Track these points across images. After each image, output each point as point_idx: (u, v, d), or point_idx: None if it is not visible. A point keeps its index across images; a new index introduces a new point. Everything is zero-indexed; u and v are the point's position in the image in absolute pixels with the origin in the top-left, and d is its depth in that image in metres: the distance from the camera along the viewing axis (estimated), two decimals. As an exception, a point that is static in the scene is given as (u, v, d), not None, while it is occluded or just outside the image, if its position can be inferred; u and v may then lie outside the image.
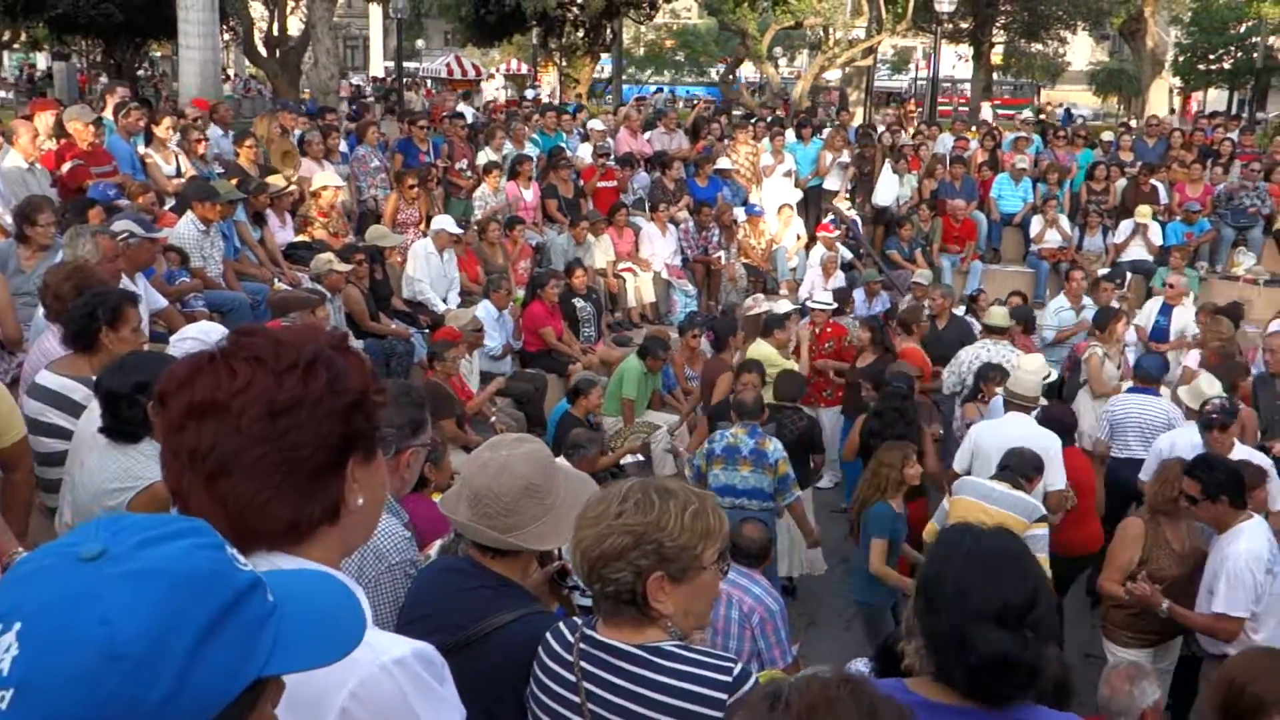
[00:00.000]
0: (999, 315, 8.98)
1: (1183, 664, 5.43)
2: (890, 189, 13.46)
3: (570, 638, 2.26)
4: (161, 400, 1.42)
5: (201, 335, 4.06)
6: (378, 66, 40.52)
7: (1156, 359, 7.90)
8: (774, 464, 6.57)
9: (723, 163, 13.80)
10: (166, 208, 8.77)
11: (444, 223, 10.05)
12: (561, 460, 6.58)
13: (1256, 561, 4.69)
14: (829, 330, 9.73)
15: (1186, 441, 6.17)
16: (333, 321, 7.97)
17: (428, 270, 9.82)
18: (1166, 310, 10.40)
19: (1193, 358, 8.57)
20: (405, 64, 30.13)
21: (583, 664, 2.21)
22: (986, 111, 25.96)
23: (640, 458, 8.01)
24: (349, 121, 14.79)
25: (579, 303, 10.20)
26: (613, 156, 13.33)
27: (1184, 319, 10.15)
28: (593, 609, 2.29)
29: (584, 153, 13.53)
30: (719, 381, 8.52)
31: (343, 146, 11.88)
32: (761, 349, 8.72)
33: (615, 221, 11.84)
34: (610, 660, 2.19)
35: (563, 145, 13.42)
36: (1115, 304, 10.17)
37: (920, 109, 19.64)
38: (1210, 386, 6.68)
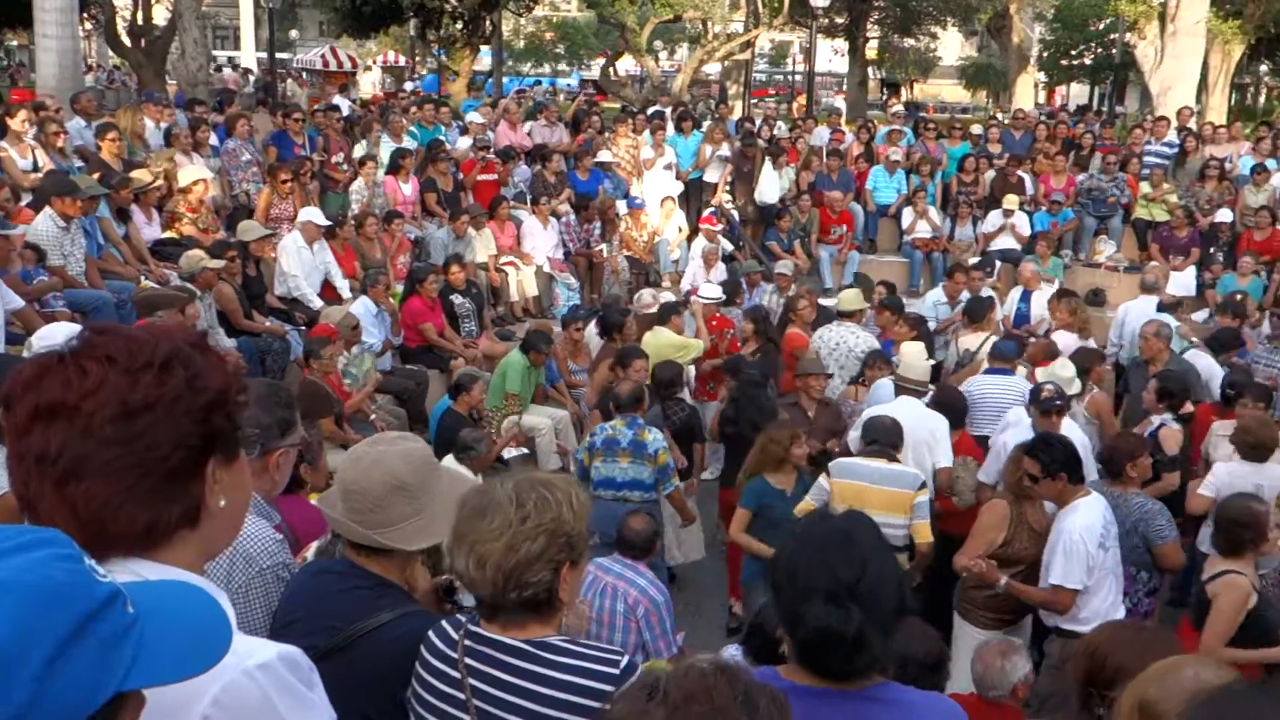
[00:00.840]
0: (850, 299, 9.18)
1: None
2: (773, 188, 13.62)
3: (454, 635, 2.24)
4: (6, 403, 1.36)
5: (60, 336, 3.89)
6: (250, 58, 39.38)
7: (1011, 343, 8.14)
8: (654, 454, 6.59)
9: (603, 156, 13.81)
10: (23, 204, 8.39)
11: (311, 214, 9.82)
12: (450, 461, 6.57)
13: (1090, 534, 4.86)
14: (714, 323, 9.82)
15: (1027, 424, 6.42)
16: (204, 319, 7.74)
17: (300, 265, 9.59)
18: (1027, 296, 10.79)
19: (1062, 338, 8.89)
20: (279, 55, 29.37)
21: (468, 661, 2.19)
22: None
23: (524, 450, 7.97)
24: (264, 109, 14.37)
25: (457, 299, 10.09)
26: (493, 150, 13.22)
27: (1044, 304, 10.57)
28: (476, 607, 2.28)
29: (463, 146, 13.39)
30: (597, 372, 8.54)
31: (213, 140, 11.53)
32: (660, 336, 8.77)
33: (496, 215, 11.75)
34: (497, 656, 2.17)
35: (441, 138, 13.26)
36: (986, 292, 10.50)
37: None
38: (1064, 369, 6.96)
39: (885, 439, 5.95)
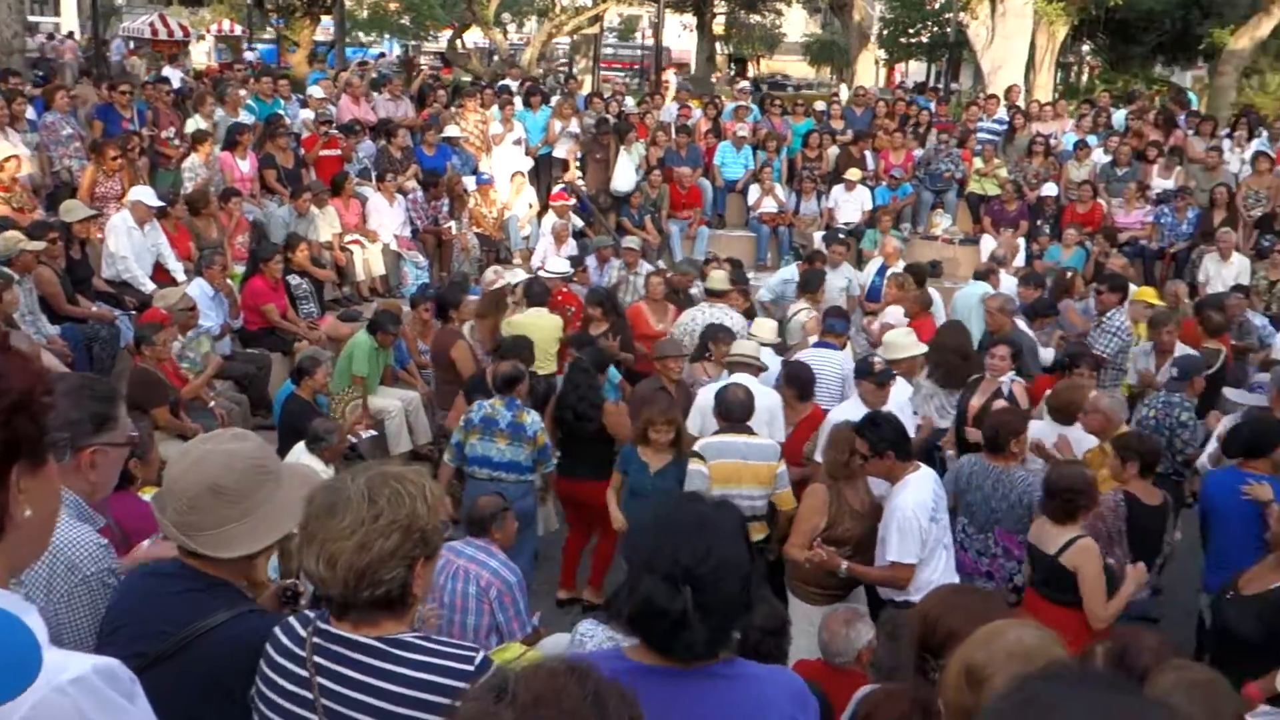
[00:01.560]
0: (718, 279, 9.29)
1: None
2: (627, 177, 13.55)
3: (302, 632, 2.18)
4: None
5: None
6: (72, 25, 37.19)
7: (842, 320, 8.34)
8: (532, 436, 6.57)
9: (451, 130, 13.59)
10: None
11: (141, 194, 9.35)
12: (300, 451, 6.37)
13: (921, 509, 5.05)
14: (561, 298, 9.79)
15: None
16: (23, 305, 7.32)
17: (130, 246, 9.14)
18: (883, 270, 11.07)
19: (892, 314, 9.19)
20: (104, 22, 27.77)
21: (316, 659, 2.13)
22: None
23: (374, 432, 7.81)
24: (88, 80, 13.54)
25: (294, 279, 9.80)
26: (335, 124, 12.85)
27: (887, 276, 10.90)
28: (325, 604, 2.22)
29: (304, 120, 12.98)
30: (455, 353, 8.41)
31: (30, 113, 10.87)
32: (544, 318, 8.74)
33: (340, 192, 11.43)
34: (347, 654, 2.12)
35: (281, 112, 12.82)
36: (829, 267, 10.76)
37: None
38: (905, 339, 7.19)
39: (741, 414, 6.04)
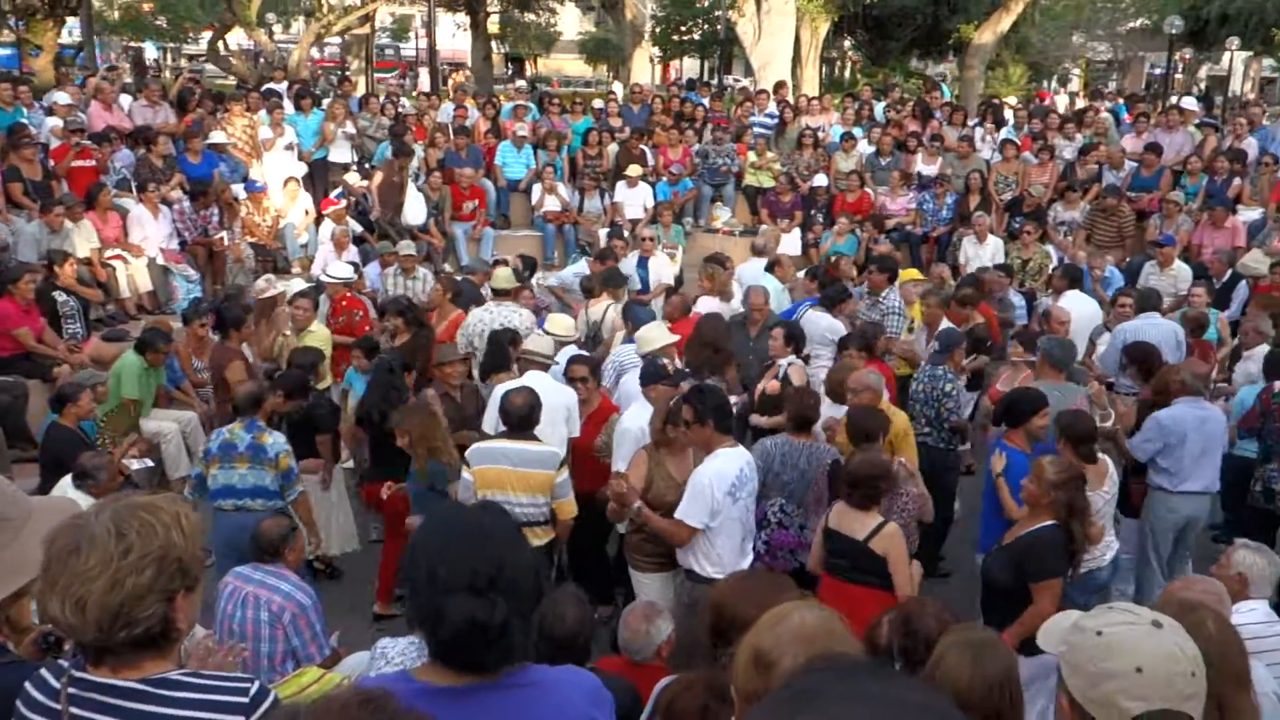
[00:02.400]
0: (503, 277, 9.23)
1: None
2: (419, 210, 13.03)
3: (55, 683, 2.01)
4: None
5: None
6: None
7: (646, 310, 8.49)
8: (274, 459, 6.27)
9: (217, 137, 12.97)
10: None
11: None
12: (66, 485, 5.91)
13: (719, 480, 5.17)
14: (344, 303, 9.51)
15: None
16: None
17: None
18: (644, 262, 11.25)
19: (705, 304, 9.40)
20: None
21: (73, 710, 1.98)
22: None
23: (149, 462, 7.35)
24: None
25: (60, 296, 9.16)
26: (87, 133, 12.04)
27: (659, 269, 11.10)
28: (79, 650, 2.05)
29: (51, 128, 12.11)
30: (229, 371, 8.05)
31: None
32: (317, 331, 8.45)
33: (97, 205, 10.72)
34: (108, 701, 1.98)
35: (24, 121, 11.92)
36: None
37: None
38: (656, 332, 7.34)
39: (519, 420, 5.87)
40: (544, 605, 4.00)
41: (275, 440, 6.33)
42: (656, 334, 7.41)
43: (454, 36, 41.43)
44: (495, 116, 15.72)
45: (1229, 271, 10.81)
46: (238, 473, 6.25)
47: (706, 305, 9.32)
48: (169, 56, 46.30)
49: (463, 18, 34.53)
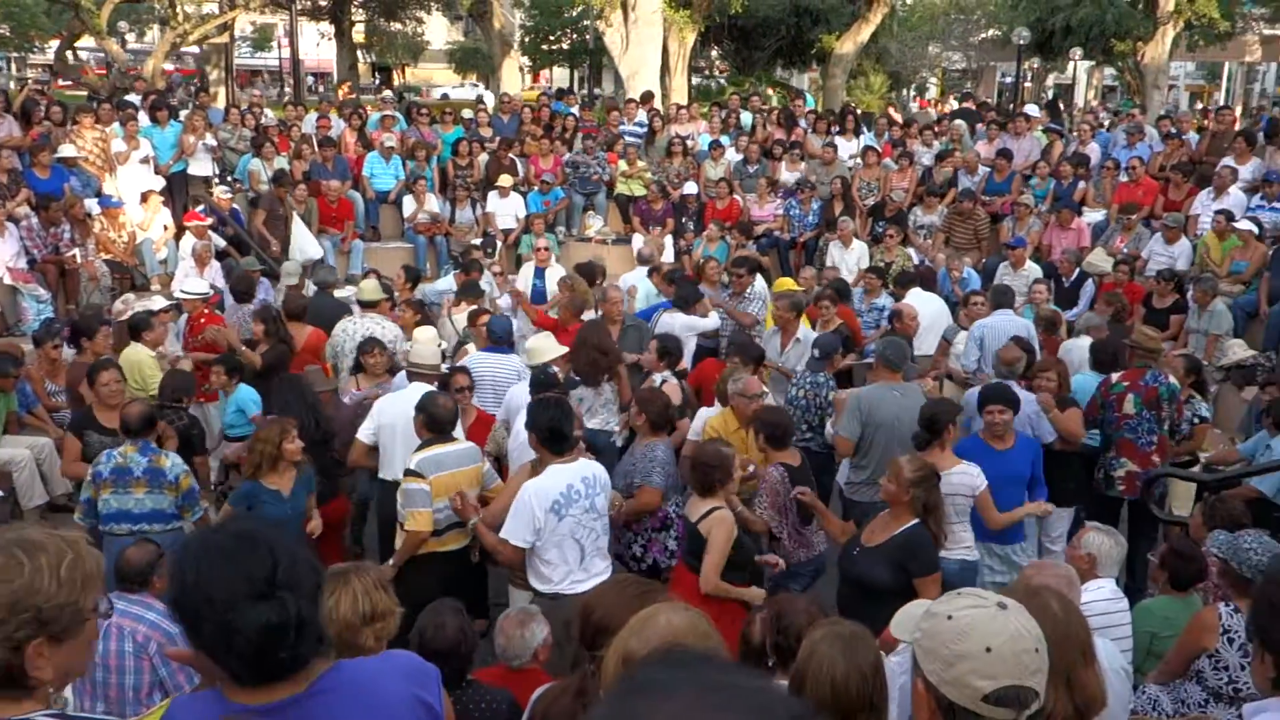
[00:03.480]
0: (370, 289, 9.11)
1: None
2: (310, 245, 12.60)
3: None
4: None
5: None
6: None
7: (504, 321, 8.44)
8: (174, 481, 6.10)
9: (66, 150, 12.47)
10: None
11: None
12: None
13: (540, 497, 5.16)
14: (204, 320, 9.24)
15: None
16: None
17: None
18: (540, 273, 11.27)
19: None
20: None
21: None
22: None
23: (-1, 491, 7.04)
24: None
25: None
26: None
27: (556, 279, 11.12)
28: None
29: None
30: (85, 389, 7.75)
31: None
32: (135, 353, 8.10)
33: (-63, 223, 10.21)
34: None
35: None
36: (489, 272, 10.84)
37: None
38: (546, 343, 7.36)
39: (450, 423, 5.95)
40: (423, 617, 3.99)
41: (174, 462, 6.14)
42: (546, 344, 7.44)
43: (318, 46, 40.64)
44: (361, 127, 15.49)
45: (1076, 270, 11.36)
46: (134, 497, 6.03)
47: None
48: (13, 66, 44.24)
49: (327, 26, 33.93)
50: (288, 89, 32.10)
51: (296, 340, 8.77)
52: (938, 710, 2.06)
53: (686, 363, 8.63)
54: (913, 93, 39.08)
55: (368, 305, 8.87)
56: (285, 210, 12.54)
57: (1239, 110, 27.75)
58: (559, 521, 5.19)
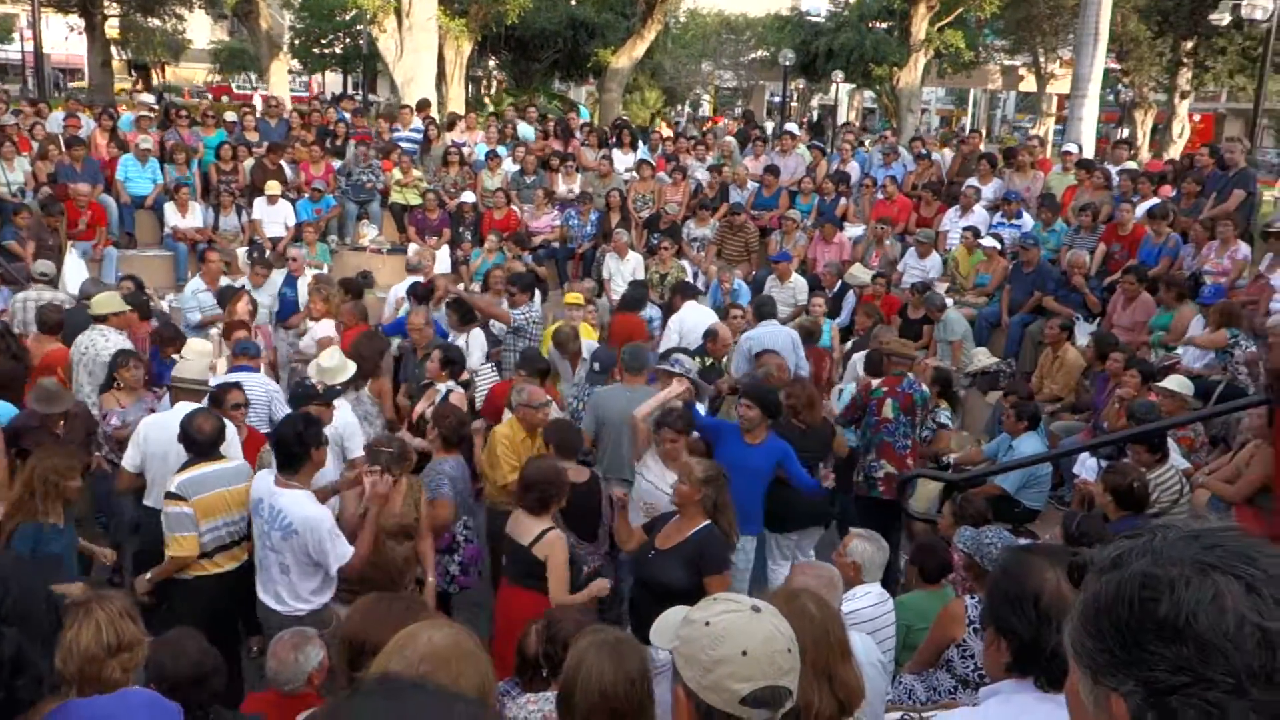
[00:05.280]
0: (104, 301, 8.45)
1: None
2: (79, 275, 11.29)
3: None
4: None
5: None
6: None
7: (252, 343, 8.12)
8: None
9: None
10: None
11: None
12: None
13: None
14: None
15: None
16: None
17: None
18: (291, 281, 10.88)
19: (324, 327, 9.13)
20: None
21: None
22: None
23: None
24: None
25: None
26: None
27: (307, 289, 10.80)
28: None
29: None
30: None
31: None
32: None
33: None
34: None
35: None
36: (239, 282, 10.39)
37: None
38: (329, 360, 7.18)
39: (214, 443, 5.62)
40: (158, 646, 3.76)
41: None
42: (339, 362, 7.23)
43: (66, 40, 38.01)
44: (113, 127, 14.58)
45: (839, 283, 11.96)
46: None
47: (323, 330, 9.14)
48: None
49: (76, 19, 31.77)
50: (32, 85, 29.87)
51: (35, 355, 8.09)
52: (697, 715, 2.10)
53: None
54: (686, 108, 40.14)
55: (99, 319, 8.17)
56: (59, 240, 11.44)
57: (984, 133, 29.89)
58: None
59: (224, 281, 10.37)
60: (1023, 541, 5.21)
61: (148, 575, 5.52)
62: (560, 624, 3.76)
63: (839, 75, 30.80)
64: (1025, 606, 2.45)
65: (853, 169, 15.34)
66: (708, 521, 5.13)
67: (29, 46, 33.69)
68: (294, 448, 5.10)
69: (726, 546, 5.22)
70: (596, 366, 7.96)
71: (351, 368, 7.37)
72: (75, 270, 11.27)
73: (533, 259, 13.27)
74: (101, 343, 7.93)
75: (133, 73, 42.83)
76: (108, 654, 3.41)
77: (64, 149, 13.28)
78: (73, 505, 5.69)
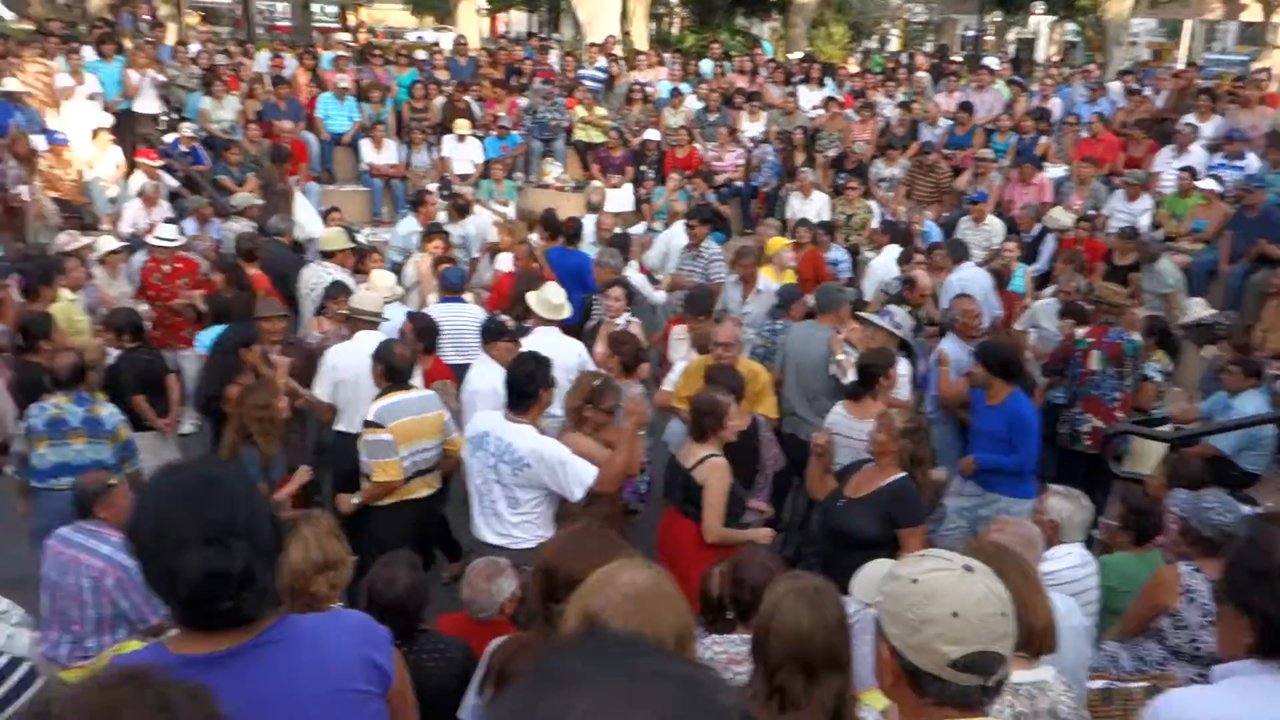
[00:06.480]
0: (331, 238, 8.93)
1: None
2: (314, 224, 11.30)
3: None
4: None
5: None
6: None
7: (458, 270, 8.32)
8: (113, 430, 5.96)
9: (9, 84, 12.04)
10: None
11: None
12: None
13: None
14: (180, 266, 8.99)
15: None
16: None
17: None
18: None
19: (505, 261, 9.31)
20: None
21: None
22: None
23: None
24: None
25: None
26: None
27: (482, 226, 11.03)
28: None
29: None
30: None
31: None
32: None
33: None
34: None
35: None
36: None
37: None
38: (556, 296, 7.24)
39: (408, 370, 5.87)
40: (374, 569, 3.91)
41: (111, 411, 5.99)
42: (561, 299, 7.21)
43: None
44: (314, 67, 15.11)
45: (1037, 226, 11.37)
46: (73, 449, 5.85)
47: (506, 263, 9.27)
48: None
49: (279, -38, 33.04)
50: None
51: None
52: (902, 675, 2.01)
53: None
54: (875, 43, 38.90)
55: (327, 255, 8.68)
56: (287, 186, 11.76)
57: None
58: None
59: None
60: (1247, 510, 4.83)
61: (353, 498, 5.75)
62: (747, 567, 3.70)
63: (1039, 7, 29.18)
64: (1274, 583, 2.25)
65: (1054, 105, 14.53)
66: (903, 474, 4.98)
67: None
68: (525, 387, 5.07)
69: (922, 500, 5.07)
70: (777, 300, 7.85)
71: (569, 309, 7.39)
72: (306, 211, 11.64)
73: (716, 198, 13.12)
74: (326, 279, 8.29)
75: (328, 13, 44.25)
76: (315, 571, 3.56)
77: (269, 87, 13.84)
78: (277, 435, 5.98)
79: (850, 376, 6.69)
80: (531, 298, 7.21)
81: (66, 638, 4.61)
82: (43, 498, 5.82)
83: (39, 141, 11.64)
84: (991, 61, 17.81)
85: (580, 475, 4.94)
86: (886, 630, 2.04)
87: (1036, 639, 2.93)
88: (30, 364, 6.78)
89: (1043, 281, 10.62)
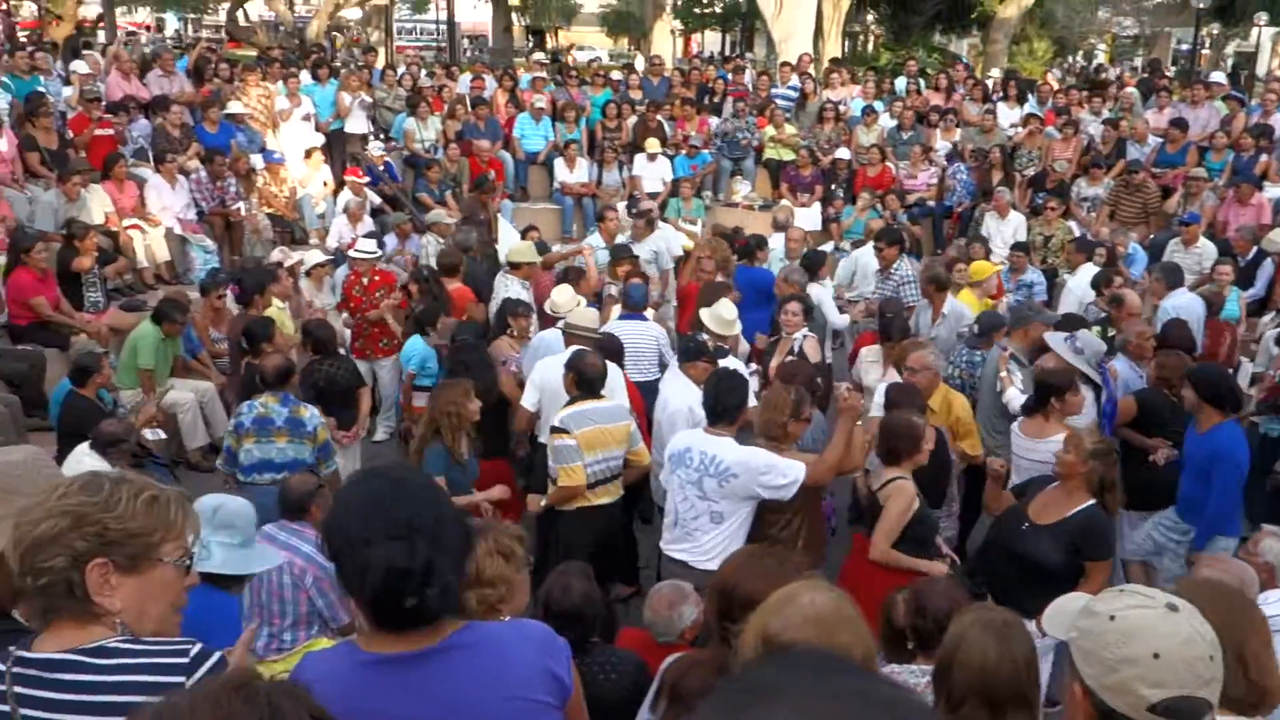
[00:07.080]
0: (520, 251, 9.16)
1: None
2: (512, 239, 11.41)
3: (2, 666, 1.98)
4: None
5: None
6: None
7: (640, 286, 8.37)
8: (312, 431, 6.27)
9: (234, 107, 12.93)
10: None
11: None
12: (84, 454, 5.88)
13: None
14: (378, 279, 9.44)
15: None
16: None
17: None
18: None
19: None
20: None
21: (16, 689, 1.95)
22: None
23: (161, 434, 7.33)
24: None
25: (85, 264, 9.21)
26: (105, 102, 12.01)
27: (669, 242, 11.02)
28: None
29: (67, 98, 12.10)
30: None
31: None
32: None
33: (113, 174, 10.71)
34: (45, 676, 1.95)
35: (42, 90, 11.90)
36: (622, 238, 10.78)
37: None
38: (727, 312, 7.24)
39: (600, 382, 5.97)
40: (550, 579, 3.96)
41: (312, 413, 6.31)
42: (731, 315, 7.29)
43: (475, 8, 41.18)
44: (513, 88, 15.61)
45: (1254, 249, 10.63)
46: (276, 447, 6.20)
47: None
48: (189, 27, 46.26)
49: (483, -11, 34.36)
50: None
51: (452, 293, 8.90)
52: (1096, 716, 1.90)
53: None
54: (1080, 59, 37.37)
55: (514, 266, 8.93)
56: (488, 215, 11.93)
57: None
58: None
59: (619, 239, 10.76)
60: None
61: (542, 501, 5.90)
62: (930, 596, 3.59)
63: (1262, 18, 27.40)
64: None
65: (1276, 122, 13.59)
66: (1092, 500, 4.74)
67: (443, 15, 36.80)
68: (727, 400, 5.20)
69: (1111, 530, 4.82)
70: (975, 329, 7.57)
71: (738, 326, 7.43)
72: (507, 234, 11.86)
73: (907, 218, 12.85)
74: (502, 290, 8.55)
75: (530, 37, 45.74)
76: (468, 584, 3.57)
77: (470, 108, 14.37)
78: (473, 436, 6.14)
79: (1010, 395, 6.50)
80: (705, 313, 7.21)
81: (265, 630, 4.84)
82: (246, 491, 6.15)
83: (256, 160, 12.43)
84: (1219, 76, 16.82)
85: (790, 471, 4.97)
86: (1080, 668, 1.94)
87: (1270, 698, 2.71)
88: (254, 365, 7.20)
89: (1259, 308, 9.93)
